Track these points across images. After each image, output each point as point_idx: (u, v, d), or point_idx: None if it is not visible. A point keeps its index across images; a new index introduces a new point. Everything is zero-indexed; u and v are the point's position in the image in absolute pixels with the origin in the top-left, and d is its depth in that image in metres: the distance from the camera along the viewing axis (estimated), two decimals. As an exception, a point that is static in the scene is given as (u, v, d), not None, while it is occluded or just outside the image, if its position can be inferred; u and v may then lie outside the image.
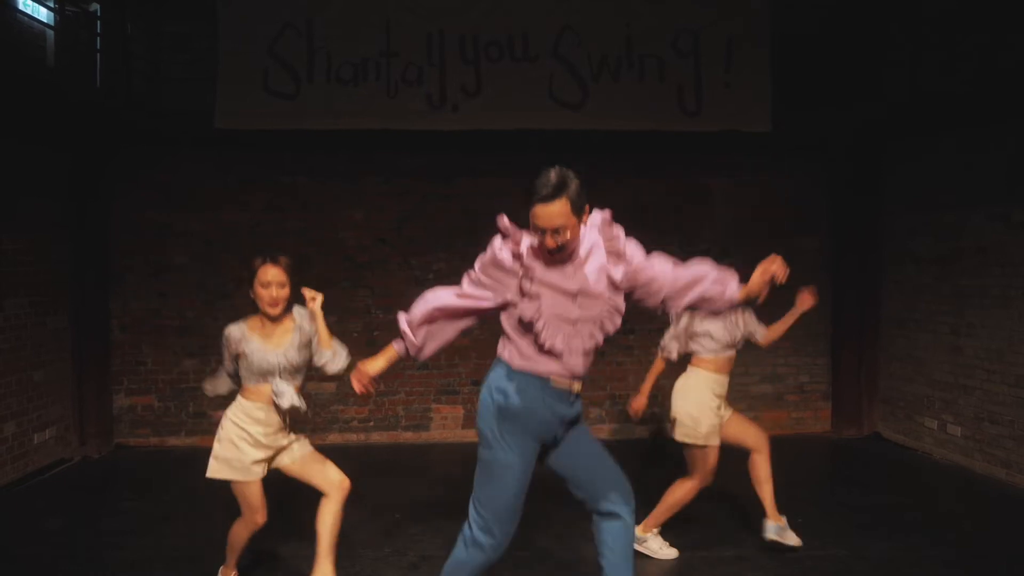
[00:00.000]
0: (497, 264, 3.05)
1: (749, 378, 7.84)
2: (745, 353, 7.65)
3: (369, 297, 7.63)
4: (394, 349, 3.25)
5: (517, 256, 3.01)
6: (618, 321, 3.15)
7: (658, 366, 4.80)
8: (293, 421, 3.83)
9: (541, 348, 3.03)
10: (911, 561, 4.51)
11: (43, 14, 6.53)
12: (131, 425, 7.48)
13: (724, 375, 4.59)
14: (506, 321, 3.11)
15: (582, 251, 3.06)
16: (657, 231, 7.77)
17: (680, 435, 4.48)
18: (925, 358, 6.97)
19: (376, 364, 3.24)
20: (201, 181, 7.48)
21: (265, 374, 3.72)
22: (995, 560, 4.53)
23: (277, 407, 3.72)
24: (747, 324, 4.68)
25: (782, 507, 4.74)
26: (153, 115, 7.03)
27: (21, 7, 6.29)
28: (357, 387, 3.19)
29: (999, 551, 4.66)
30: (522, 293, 3.01)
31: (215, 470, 3.83)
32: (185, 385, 7.51)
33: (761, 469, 4.63)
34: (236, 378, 3.87)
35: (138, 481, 6.45)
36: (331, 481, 3.85)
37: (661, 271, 3.17)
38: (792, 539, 4.62)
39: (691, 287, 3.17)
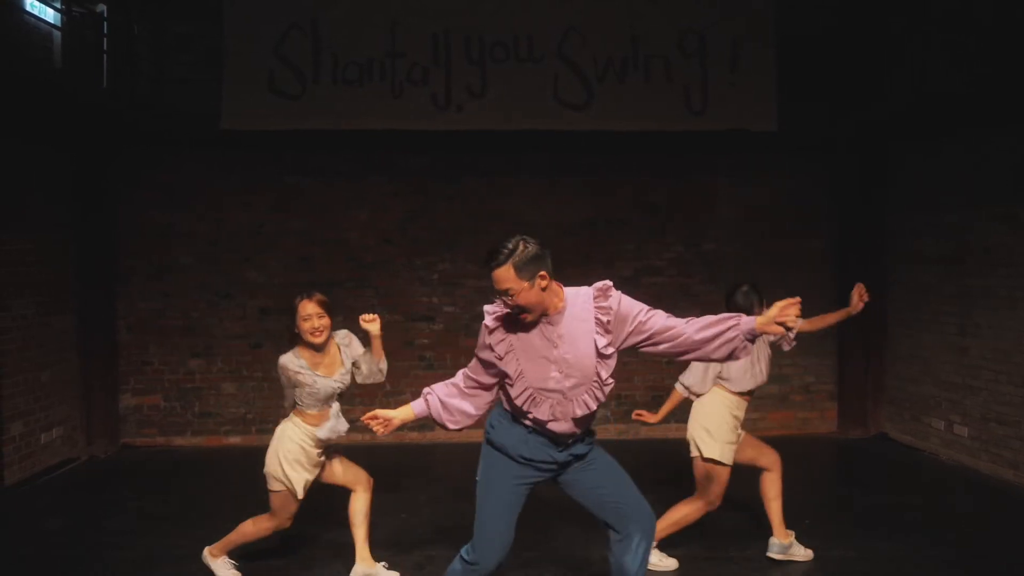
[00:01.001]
0: (480, 347, 3.20)
1: (754, 378, 7.82)
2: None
3: (374, 297, 7.63)
4: (415, 412, 3.33)
5: (491, 330, 3.13)
6: (604, 391, 3.25)
7: (676, 398, 4.72)
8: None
9: (526, 414, 3.16)
10: (917, 561, 4.50)
11: (49, 15, 6.54)
12: (137, 425, 7.50)
13: (744, 400, 4.53)
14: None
15: (566, 319, 3.11)
16: (663, 231, 7.78)
17: (693, 449, 4.43)
18: (931, 358, 6.94)
19: (402, 416, 3.29)
20: (206, 181, 7.50)
21: (328, 400, 4.10)
22: (1002, 561, 4.51)
23: (330, 428, 4.11)
24: (767, 355, 4.60)
25: (788, 507, 4.73)
26: (158, 116, 7.05)
27: (28, 8, 6.30)
28: (378, 430, 3.26)
29: (1006, 552, 4.64)
30: (501, 373, 3.15)
31: (272, 484, 4.20)
32: (191, 385, 7.53)
33: (772, 487, 4.56)
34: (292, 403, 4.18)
35: (144, 480, 6.47)
36: (361, 477, 4.31)
37: (663, 329, 3.15)
38: (800, 553, 4.57)
39: (701, 346, 3.15)
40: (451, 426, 3.33)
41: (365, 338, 4.28)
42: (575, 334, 3.09)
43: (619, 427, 7.78)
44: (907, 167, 7.30)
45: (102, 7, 6.99)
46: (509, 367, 3.11)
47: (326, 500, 4.78)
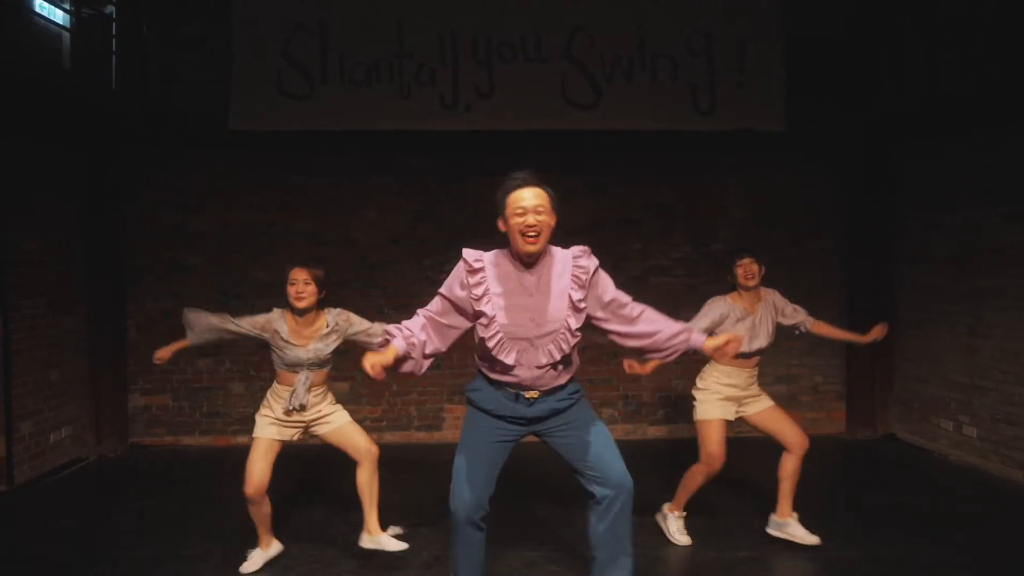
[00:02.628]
0: (454, 286, 3.37)
1: (763, 378, 7.66)
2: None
3: (381, 297, 7.65)
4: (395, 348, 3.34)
5: (474, 270, 3.29)
6: (570, 342, 3.34)
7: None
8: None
9: (494, 360, 3.33)
10: (925, 563, 4.48)
11: (59, 16, 6.58)
12: (146, 424, 7.53)
13: (738, 368, 4.65)
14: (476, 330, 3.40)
15: (546, 270, 3.33)
16: (671, 231, 7.77)
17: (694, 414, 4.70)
18: (940, 359, 6.92)
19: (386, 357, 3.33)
20: (215, 182, 7.52)
21: (293, 366, 4.31)
22: (1011, 563, 4.49)
23: (295, 395, 4.31)
24: (774, 326, 4.66)
25: (797, 508, 4.72)
26: (167, 116, 7.08)
27: (37, 9, 6.34)
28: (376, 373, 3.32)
29: (1016, 553, 4.62)
30: (476, 314, 3.32)
31: (256, 431, 4.39)
32: (199, 385, 7.56)
33: (788, 466, 4.67)
34: (225, 327, 4.60)
35: (153, 480, 6.50)
36: (360, 449, 4.34)
37: (622, 306, 3.41)
38: (800, 535, 4.64)
39: (643, 338, 3.40)
40: (418, 367, 3.39)
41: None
42: (552, 286, 3.31)
43: (626, 427, 7.77)
44: (916, 167, 7.27)
45: (111, 8, 7.03)
46: (484, 308, 3.28)
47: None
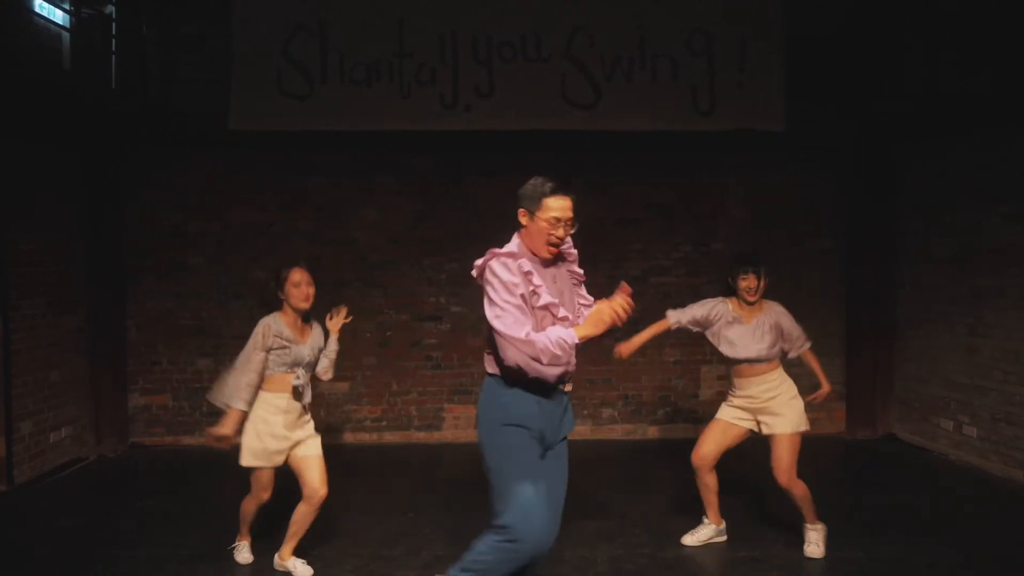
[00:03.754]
0: (517, 287, 3.13)
1: (763, 378, 7.80)
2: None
3: (382, 297, 7.64)
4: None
5: (526, 271, 3.18)
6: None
7: (662, 325, 4.83)
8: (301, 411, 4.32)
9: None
10: (926, 563, 4.48)
11: (59, 16, 6.58)
12: (146, 424, 7.52)
13: (744, 378, 4.69)
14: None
15: (556, 266, 3.39)
16: (671, 231, 7.76)
17: None
18: (941, 358, 6.91)
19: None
20: (215, 182, 7.52)
21: (294, 365, 4.25)
22: (1012, 562, 4.49)
23: (297, 395, 4.25)
24: (772, 339, 4.70)
25: (797, 508, 4.72)
26: (167, 116, 7.08)
27: (37, 10, 6.34)
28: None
29: (1016, 553, 4.62)
30: (534, 311, 3.17)
31: (246, 459, 4.28)
32: (199, 385, 7.55)
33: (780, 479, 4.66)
34: (256, 372, 4.29)
35: (153, 480, 6.50)
36: (315, 485, 4.24)
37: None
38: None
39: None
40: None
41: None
42: (562, 278, 3.39)
43: (626, 427, 7.77)
44: (916, 167, 7.27)
45: (111, 8, 7.03)
46: (546, 299, 3.17)
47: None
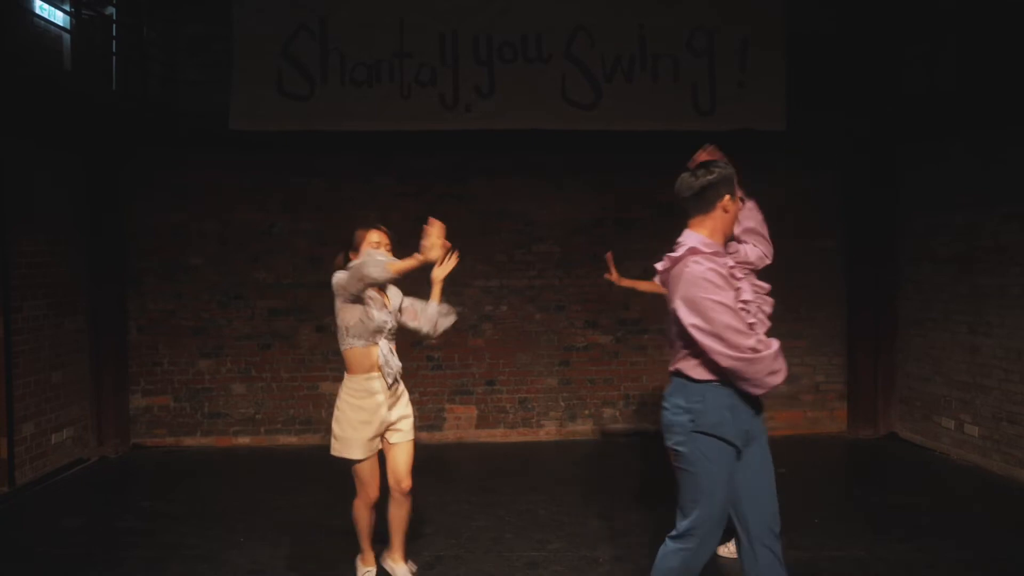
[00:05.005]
0: (728, 290, 2.96)
1: (764, 378, 7.80)
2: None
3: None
4: None
5: (740, 278, 3.07)
6: None
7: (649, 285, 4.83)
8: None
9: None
10: (928, 562, 4.48)
11: (59, 17, 6.58)
12: (148, 425, 7.53)
13: None
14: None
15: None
16: (671, 231, 7.74)
17: None
18: (942, 357, 6.91)
19: None
20: (216, 182, 7.53)
21: (375, 334, 3.91)
22: (1013, 561, 4.49)
23: (386, 371, 3.92)
24: None
25: (799, 507, 4.71)
26: (168, 117, 7.08)
27: (38, 11, 6.34)
28: None
29: (1017, 552, 4.61)
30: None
31: (337, 449, 3.97)
32: (201, 385, 7.56)
33: None
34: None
35: (155, 481, 6.50)
36: (401, 473, 4.04)
37: None
38: None
39: None
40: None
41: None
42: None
43: (627, 426, 7.77)
44: (918, 167, 7.27)
45: (111, 9, 7.03)
46: (747, 296, 3.03)
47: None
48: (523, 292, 7.66)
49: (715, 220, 3.10)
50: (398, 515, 4.13)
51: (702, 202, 3.11)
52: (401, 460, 4.03)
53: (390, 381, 3.94)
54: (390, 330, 4.01)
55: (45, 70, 6.40)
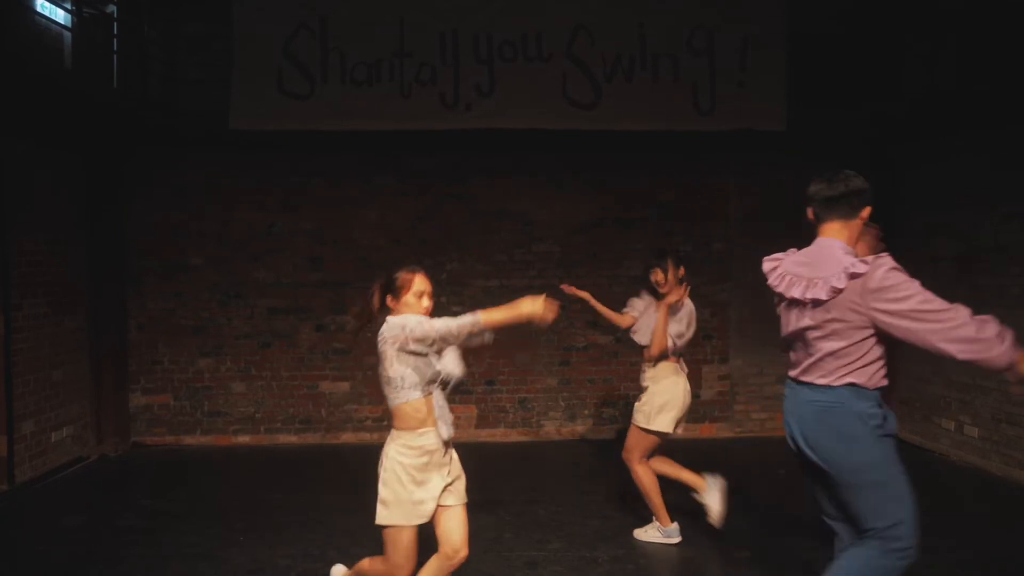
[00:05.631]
0: None
1: (764, 378, 7.82)
2: (760, 354, 7.70)
3: (383, 297, 7.64)
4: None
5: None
6: None
7: (620, 319, 5.04)
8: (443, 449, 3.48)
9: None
10: (928, 563, 4.45)
11: (60, 16, 6.58)
12: (148, 424, 7.53)
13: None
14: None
15: None
16: (671, 231, 7.76)
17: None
18: (942, 359, 6.87)
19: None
20: (216, 181, 7.53)
21: (431, 383, 3.47)
22: (1013, 561, 4.49)
23: (439, 425, 3.43)
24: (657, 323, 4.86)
25: (802, 508, 4.71)
26: (169, 116, 7.09)
27: (39, 9, 6.34)
28: None
29: (1017, 552, 4.62)
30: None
31: (384, 517, 3.37)
32: (200, 384, 7.56)
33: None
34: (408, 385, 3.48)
35: (155, 479, 6.50)
36: (456, 543, 3.42)
37: None
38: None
39: None
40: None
41: None
42: None
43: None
44: (918, 166, 7.27)
45: (112, 8, 7.03)
46: None
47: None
48: (523, 292, 7.55)
49: (853, 229, 3.19)
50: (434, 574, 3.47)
51: (848, 207, 3.23)
52: (457, 526, 3.43)
53: (446, 435, 3.42)
54: (444, 382, 3.58)
55: (46, 69, 6.40)
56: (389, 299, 3.53)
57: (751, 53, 6.70)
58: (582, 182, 7.68)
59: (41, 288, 6.38)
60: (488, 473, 6.42)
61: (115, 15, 7.06)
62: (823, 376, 3.00)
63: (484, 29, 6.62)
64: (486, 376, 7.68)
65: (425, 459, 3.37)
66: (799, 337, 3.07)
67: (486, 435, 7.66)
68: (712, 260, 7.74)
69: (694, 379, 8.00)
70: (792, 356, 3.15)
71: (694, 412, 7.75)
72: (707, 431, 7.75)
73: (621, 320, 5.02)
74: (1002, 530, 5.02)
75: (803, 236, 7.44)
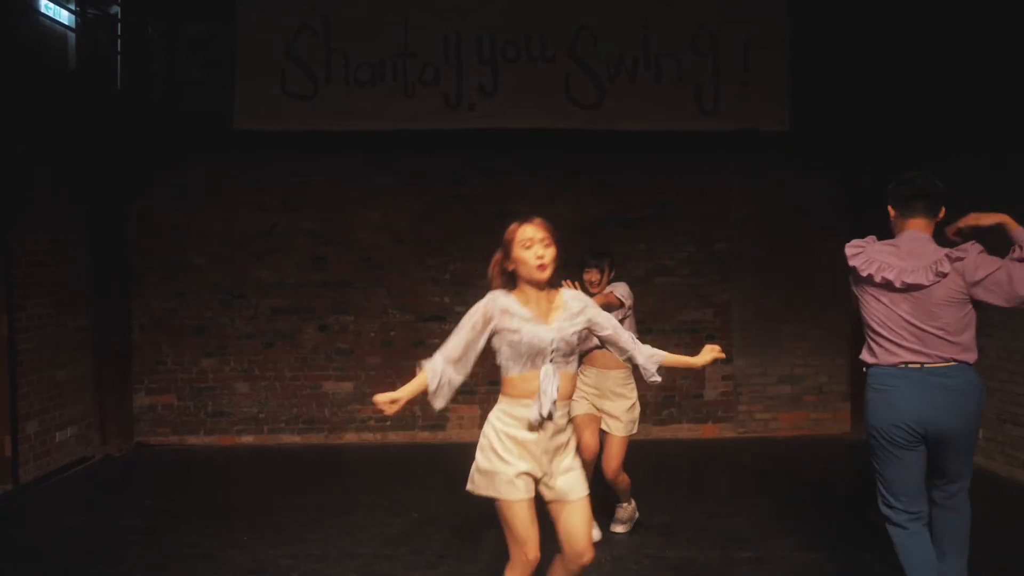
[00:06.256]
0: None
1: (767, 379, 7.80)
2: (763, 354, 7.69)
3: (386, 297, 7.65)
4: None
5: None
6: None
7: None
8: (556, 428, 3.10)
9: None
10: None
11: (64, 16, 6.60)
12: (151, 424, 7.55)
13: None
14: None
15: None
16: (674, 231, 7.76)
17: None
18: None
19: None
20: (218, 181, 7.54)
21: (535, 356, 3.09)
22: (1014, 561, 4.48)
23: (540, 400, 3.03)
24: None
25: (802, 508, 4.71)
26: (171, 116, 7.09)
27: (42, 10, 6.35)
28: None
29: (1018, 552, 4.61)
30: None
31: (480, 486, 3.15)
32: (204, 384, 7.57)
33: None
34: (457, 346, 3.29)
35: (158, 479, 6.52)
36: (581, 542, 3.06)
37: None
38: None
39: None
40: None
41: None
42: None
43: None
44: (921, 166, 7.21)
45: (116, 9, 7.04)
46: None
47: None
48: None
49: (931, 228, 3.58)
50: None
51: (935, 208, 3.64)
52: (579, 524, 3.06)
53: (542, 412, 3.02)
54: (557, 350, 3.10)
55: (50, 70, 6.41)
56: (506, 262, 3.22)
57: (754, 53, 6.69)
58: (584, 182, 7.67)
59: (44, 288, 6.39)
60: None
61: (119, 16, 7.06)
62: (950, 351, 3.37)
63: (487, 29, 6.62)
64: (489, 376, 7.65)
65: (521, 433, 3.06)
66: (911, 320, 3.38)
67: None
68: (714, 260, 7.73)
69: (698, 379, 8.06)
70: (893, 342, 3.46)
71: (698, 412, 7.76)
72: (710, 431, 7.74)
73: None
74: (1004, 530, 5.01)
75: (803, 236, 7.49)
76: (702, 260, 7.75)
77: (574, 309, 3.18)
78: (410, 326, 7.61)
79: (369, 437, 7.69)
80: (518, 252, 3.16)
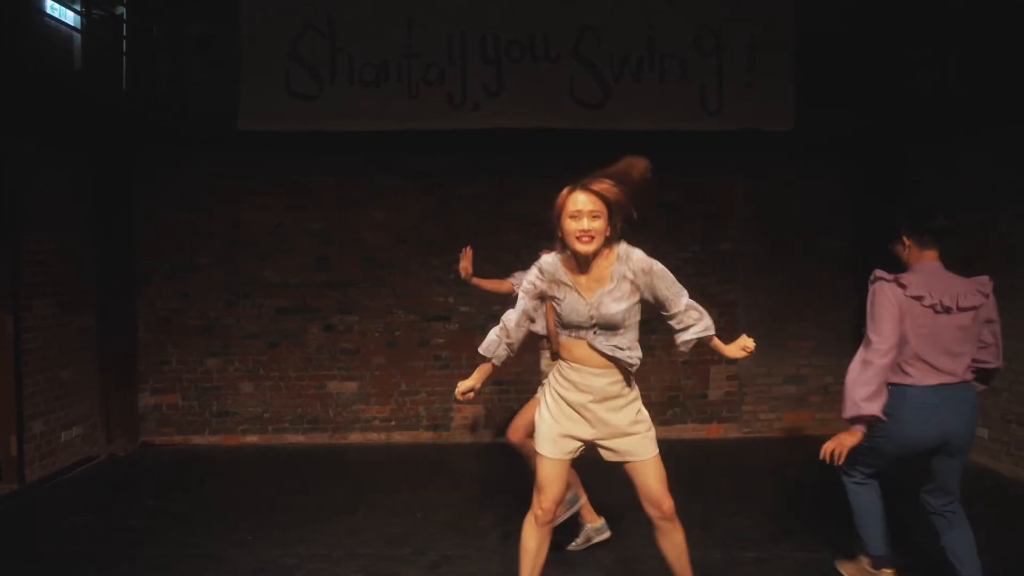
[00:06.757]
0: None
1: (772, 379, 7.80)
2: (768, 354, 7.68)
3: (390, 297, 7.66)
4: None
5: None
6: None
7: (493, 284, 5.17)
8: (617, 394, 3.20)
9: None
10: (937, 564, 4.46)
11: (70, 17, 6.62)
12: (156, 423, 7.57)
13: None
14: None
15: None
16: (679, 231, 7.75)
17: None
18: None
19: None
20: (222, 181, 7.56)
21: (574, 328, 3.17)
22: (1016, 561, 4.48)
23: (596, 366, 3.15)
24: None
25: (807, 509, 4.70)
26: (176, 116, 7.11)
27: (48, 11, 6.38)
28: None
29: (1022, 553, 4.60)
30: None
31: (536, 442, 3.33)
32: (209, 384, 7.59)
33: None
34: (515, 322, 3.33)
35: (163, 479, 6.53)
36: (655, 493, 3.28)
37: None
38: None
39: None
40: None
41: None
42: None
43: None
44: (925, 167, 7.23)
45: (121, 9, 7.07)
46: None
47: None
48: (530, 292, 7.64)
49: (940, 257, 3.88)
50: (671, 547, 3.33)
51: (942, 241, 3.92)
52: (652, 477, 3.26)
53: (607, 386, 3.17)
54: (602, 326, 3.15)
55: (55, 70, 6.43)
56: (557, 230, 3.23)
57: (759, 53, 6.69)
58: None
59: (49, 288, 6.41)
60: (494, 473, 6.42)
61: (124, 17, 7.09)
62: (966, 371, 3.68)
63: (491, 30, 6.63)
64: (493, 376, 7.66)
65: (572, 395, 3.22)
66: (945, 344, 3.66)
67: (491, 436, 7.65)
68: (719, 260, 7.72)
69: (702, 379, 8.06)
70: (930, 364, 3.67)
71: (702, 412, 7.75)
72: (715, 432, 7.74)
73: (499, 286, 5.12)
74: (1007, 530, 5.00)
75: (804, 236, 7.46)
76: (707, 260, 7.74)
77: (625, 277, 3.24)
78: (415, 326, 7.61)
79: (373, 437, 7.70)
80: (565, 222, 3.17)
